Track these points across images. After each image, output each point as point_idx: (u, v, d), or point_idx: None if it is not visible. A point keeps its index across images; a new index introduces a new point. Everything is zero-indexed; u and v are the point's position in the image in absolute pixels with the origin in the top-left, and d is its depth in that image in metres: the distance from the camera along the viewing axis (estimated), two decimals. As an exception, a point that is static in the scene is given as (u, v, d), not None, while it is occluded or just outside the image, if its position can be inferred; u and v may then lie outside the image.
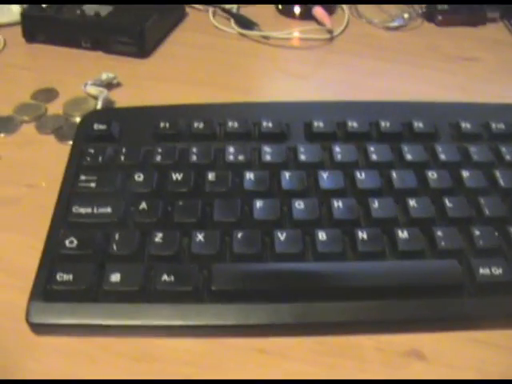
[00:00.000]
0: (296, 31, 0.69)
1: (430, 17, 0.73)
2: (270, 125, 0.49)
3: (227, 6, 0.72)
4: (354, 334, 0.39)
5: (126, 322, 0.38)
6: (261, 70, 0.64)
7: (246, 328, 0.38)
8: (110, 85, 0.59)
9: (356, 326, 0.39)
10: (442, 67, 0.65)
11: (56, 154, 0.50)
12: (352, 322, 0.39)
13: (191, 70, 0.63)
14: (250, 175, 0.45)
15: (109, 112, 0.55)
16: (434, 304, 0.39)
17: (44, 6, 0.66)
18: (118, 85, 0.60)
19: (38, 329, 0.38)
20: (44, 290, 0.39)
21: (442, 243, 0.41)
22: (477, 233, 0.42)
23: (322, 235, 0.41)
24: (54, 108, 0.57)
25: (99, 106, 0.56)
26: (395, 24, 0.72)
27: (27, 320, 0.38)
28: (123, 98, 0.58)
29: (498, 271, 0.40)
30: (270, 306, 0.38)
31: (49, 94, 0.59)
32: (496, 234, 0.42)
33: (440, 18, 0.72)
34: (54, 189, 0.45)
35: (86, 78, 0.59)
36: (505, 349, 0.39)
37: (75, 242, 0.41)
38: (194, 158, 0.46)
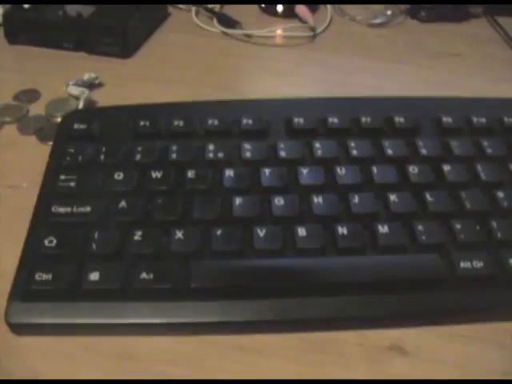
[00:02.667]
0: (279, 29, 0.69)
1: (413, 13, 0.73)
2: (251, 122, 0.49)
3: (210, 5, 0.72)
4: (336, 330, 0.39)
5: (105, 320, 0.38)
6: (244, 69, 0.64)
7: (226, 325, 0.38)
8: (92, 85, 0.59)
9: (337, 322, 0.39)
10: (424, 63, 0.65)
11: (37, 155, 0.49)
12: (333, 318, 0.39)
13: (174, 69, 0.63)
14: (229, 172, 0.44)
15: (89, 112, 0.55)
16: (416, 299, 0.39)
17: (26, 6, 0.66)
18: (101, 85, 0.60)
19: (18, 329, 0.38)
20: (23, 290, 0.38)
21: (423, 237, 0.41)
22: (458, 226, 0.42)
23: (301, 231, 0.41)
24: (36, 109, 0.57)
25: (81, 106, 0.56)
26: (378, 21, 0.72)
27: (6, 320, 0.37)
28: (105, 98, 0.58)
29: (479, 264, 0.40)
30: (250, 303, 0.38)
31: (31, 95, 0.59)
32: (477, 227, 0.42)
33: (423, 14, 0.72)
34: (35, 189, 0.45)
35: (68, 78, 0.58)
36: (488, 342, 0.38)
37: (54, 241, 0.40)
38: (174, 155, 0.46)
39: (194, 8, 0.73)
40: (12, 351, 0.38)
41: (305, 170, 0.45)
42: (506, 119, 0.50)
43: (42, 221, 0.42)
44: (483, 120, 0.50)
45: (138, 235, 0.40)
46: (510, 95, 0.54)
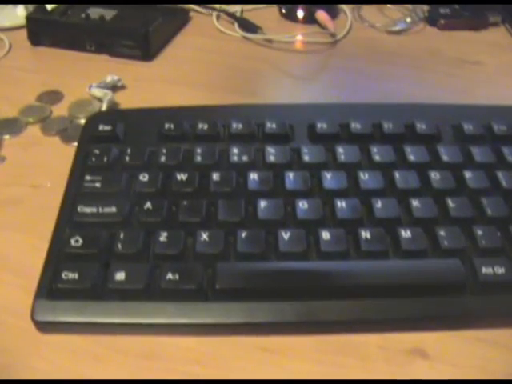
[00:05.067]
0: (299, 35, 0.70)
1: (432, 21, 0.74)
2: (274, 126, 0.49)
3: (231, 10, 0.73)
4: (358, 333, 0.39)
5: (130, 320, 0.38)
6: (264, 73, 0.65)
7: (249, 326, 0.39)
8: (114, 87, 0.60)
9: (359, 325, 0.39)
10: (443, 70, 0.65)
11: (61, 155, 0.50)
12: (355, 321, 0.39)
13: (195, 72, 0.64)
14: (253, 175, 0.45)
15: (114, 113, 0.55)
16: (437, 303, 0.39)
17: (49, 8, 0.66)
18: (123, 87, 0.61)
19: (44, 327, 0.38)
20: (49, 289, 0.39)
21: (445, 243, 0.41)
22: (479, 232, 0.42)
23: (325, 234, 0.41)
24: (59, 110, 0.58)
25: (104, 107, 0.56)
26: (397, 28, 0.72)
27: (33, 318, 0.38)
28: (128, 100, 0.59)
29: (500, 270, 0.40)
30: (273, 305, 0.39)
31: (54, 97, 0.59)
32: (498, 233, 0.42)
33: (442, 22, 0.73)
34: (58, 189, 0.46)
35: (90, 80, 0.59)
36: (508, 348, 0.39)
37: (80, 240, 0.41)
38: (199, 158, 0.46)
39: (214, 12, 0.73)
40: (38, 349, 0.38)
41: (328, 175, 0.45)
42: (526, 127, 0.50)
43: (67, 220, 0.43)
44: (504, 127, 0.50)
45: (163, 236, 0.41)
46: (530, 104, 0.54)
